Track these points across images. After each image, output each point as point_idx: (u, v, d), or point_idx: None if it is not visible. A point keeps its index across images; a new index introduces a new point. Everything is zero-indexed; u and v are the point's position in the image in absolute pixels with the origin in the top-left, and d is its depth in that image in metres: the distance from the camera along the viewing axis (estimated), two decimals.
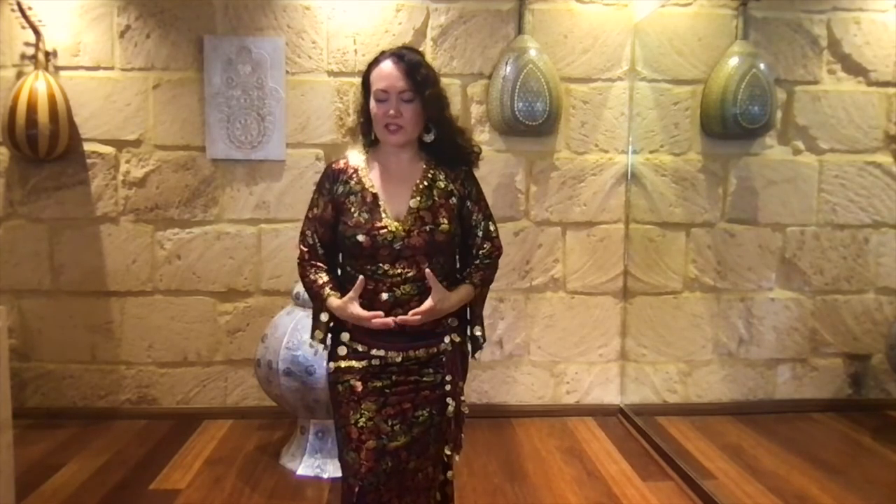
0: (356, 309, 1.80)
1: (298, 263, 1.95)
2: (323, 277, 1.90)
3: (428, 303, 1.80)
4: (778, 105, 3.70)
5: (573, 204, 3.86)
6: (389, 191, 1.87)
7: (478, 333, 1.98)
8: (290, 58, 3.70)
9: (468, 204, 1.94)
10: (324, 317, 1.91)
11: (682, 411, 3.88)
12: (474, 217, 1.95)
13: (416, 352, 1.87)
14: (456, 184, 1.92)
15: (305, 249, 1.93)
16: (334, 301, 1.86)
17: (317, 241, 1.92)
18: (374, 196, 1.86)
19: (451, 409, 1.88)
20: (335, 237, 1.91)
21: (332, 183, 1.91)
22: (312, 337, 1.95)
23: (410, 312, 1.80)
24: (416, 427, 1.86)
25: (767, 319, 3.90)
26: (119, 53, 3.68)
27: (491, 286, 2.05)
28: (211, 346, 3.84)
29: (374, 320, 1.79)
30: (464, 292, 1.91)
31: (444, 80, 3.42)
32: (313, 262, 1.92)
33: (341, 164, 1.94)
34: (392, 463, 1.83)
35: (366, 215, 1.84)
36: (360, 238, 1.82)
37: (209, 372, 3.85)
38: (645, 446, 3.54)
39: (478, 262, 1.95)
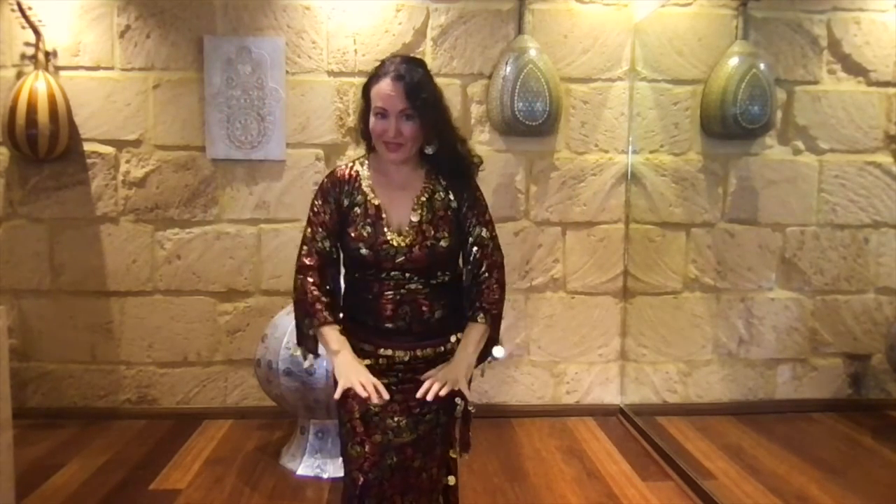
0: (361, 377, 1.77)
1: (300, 269, 1.89)
2: (323, 299, 1.86)
3: (436, 386, 1.78)
4: (778, 105, 3.70)
5: (573, 204, 3.86)
6: (391, 201, 1.87)
7: (498, 356, 1.97)
8: (290, 58, 3.70)
9: (464, 210, 1.92)
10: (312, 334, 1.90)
11: (682, 411, 3.88)
12: (469, 223, 1.91)
13: (424, 351, 1.88)
14: (454, 192, 1.91)
15: (316, 256, 1.87)
16: (333, 341, 1.83)
17: (328, 247, 1.88)
18: (377, 208, 1.86)
19: (459, 408, 1.89)
20: (337, 244, 1.90)
21: (339, 192, 1.89)
22: (300, 343, 1.94)
23: (425, 386, 1.78)
24: (422, 425, 1.86)
25: (767, 319, 3.90)
26: (119, 53, 3.68)
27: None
28: (211, 346, 3.84)
29: (371, 392, 1.75)
30: (476, 336, 1.87)
31: (444, 80, 3.45)
32: (318, 273, 1.87)
33: (345, 172, 1.91)
34: (397, 459, 1.83)
35: (369, 229, 1.84)
36: (364, 252, 1.83)
37: (209, 372, 3.85)
38: (645, 446, 3.54)
39: (478, 281, 1.90)
